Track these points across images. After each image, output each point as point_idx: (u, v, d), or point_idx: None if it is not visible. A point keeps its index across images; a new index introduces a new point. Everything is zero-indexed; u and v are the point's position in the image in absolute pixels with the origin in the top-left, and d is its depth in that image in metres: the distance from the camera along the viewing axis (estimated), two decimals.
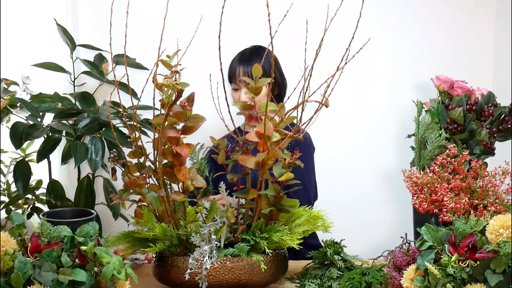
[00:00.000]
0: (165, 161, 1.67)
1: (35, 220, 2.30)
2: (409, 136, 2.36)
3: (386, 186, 2.66)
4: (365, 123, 2.65)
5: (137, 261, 2.04)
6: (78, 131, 2.18)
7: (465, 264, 1.51)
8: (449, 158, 1.78)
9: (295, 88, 1.90)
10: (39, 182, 2.40)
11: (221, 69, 1.68)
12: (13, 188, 2.33)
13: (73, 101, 2.35)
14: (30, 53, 2.35)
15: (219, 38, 1.61)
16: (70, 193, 2.38)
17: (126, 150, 1.83)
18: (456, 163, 1.77)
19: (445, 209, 1.70)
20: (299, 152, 1.68)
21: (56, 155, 2.36)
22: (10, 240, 1.45)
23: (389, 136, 2.64)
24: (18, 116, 2.21)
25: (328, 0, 1.65)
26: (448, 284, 1.51)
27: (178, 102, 1.60)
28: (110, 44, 1.66)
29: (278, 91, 2.29)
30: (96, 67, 2.37)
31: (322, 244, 1.94)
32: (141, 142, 1.70)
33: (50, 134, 2.22)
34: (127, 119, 1.81)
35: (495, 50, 2.64)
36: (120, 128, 2.30)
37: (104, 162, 2.24)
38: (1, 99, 2.10)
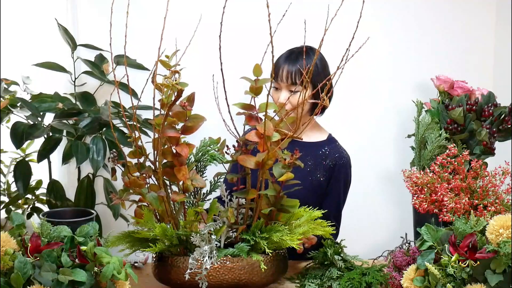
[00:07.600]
0: (165, 161, 1.67)
1: (35, 220, 2.30)
2: (409, 136, 2.36)
3: (386, 186, 2.66)
4: (365, 123, 2.64)
5: (136, 264, 2.03)
6: (79, 131, 2.18)
7: (465, 264, 1.51)
8: (449, 158, 1.78)
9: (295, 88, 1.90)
10: (39, 182, 2.40)
11: (221, 69, 1.68)
12: (13, 188, 2.32)
13: (74, 101, 2.35)
14: (30, 53, 2.34)
15: (220, 38, 1.61)
16: (70, 193, 2.38)
17: (126, 150, 1.83)
18: (456, 163, 1.77)
19: (445, 209, 1.70)
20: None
21: (56, 155, 2.35)
22: (10, 240, 1.45)
23: (389, 136, 2.64)
24: (19, 116, 2.21)
25: (328, 0, 1.65)
26: (448, 284, 1.51)
27: (178, 102, 1.60)
28: (110, 44, 1.66)
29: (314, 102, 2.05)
30: (97, 67, 2.37)
31: None
32: (141, 142, 1.70)
33: (51, 134, 2.22)
34: (127, 119, 1.81)
35: (495, 50, 2.64)
36: (120, 128, 2.30)
37: (104, 162, 2.24)
38: (2, 99, 2.10)
